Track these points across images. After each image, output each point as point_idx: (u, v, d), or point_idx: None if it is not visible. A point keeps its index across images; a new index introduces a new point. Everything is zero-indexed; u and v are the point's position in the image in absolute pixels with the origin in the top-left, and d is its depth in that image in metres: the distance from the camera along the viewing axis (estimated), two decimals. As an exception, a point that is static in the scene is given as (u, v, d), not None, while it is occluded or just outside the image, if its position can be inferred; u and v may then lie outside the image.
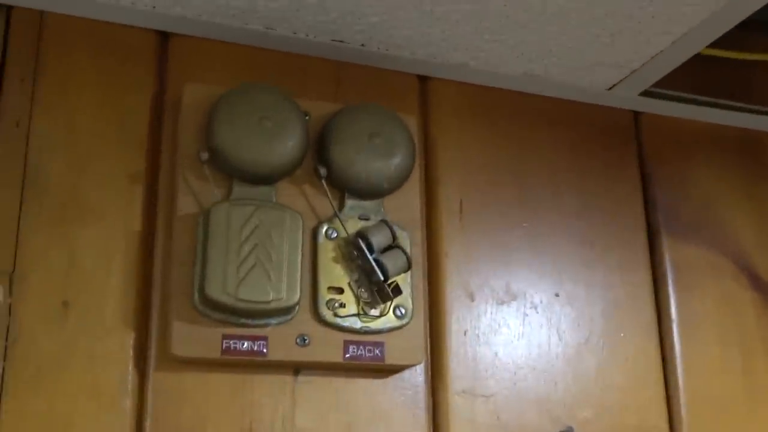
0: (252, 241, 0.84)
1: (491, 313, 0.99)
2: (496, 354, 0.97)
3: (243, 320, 0.84)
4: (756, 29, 1.14)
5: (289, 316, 0.86)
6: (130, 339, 0.84)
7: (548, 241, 1.04)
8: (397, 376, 0.92)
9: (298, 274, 0.85)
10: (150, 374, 0.84)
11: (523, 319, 1.00)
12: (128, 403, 0.83)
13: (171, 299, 0.84)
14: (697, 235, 1.12)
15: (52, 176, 0.86)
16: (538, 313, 1.01)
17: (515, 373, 0.97)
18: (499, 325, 0.99)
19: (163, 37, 0.94)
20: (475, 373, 0.96)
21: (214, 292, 0.82)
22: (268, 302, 0.83)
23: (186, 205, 0.87)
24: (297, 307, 0.86)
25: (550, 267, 1.03)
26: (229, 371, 0.86)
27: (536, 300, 1.01)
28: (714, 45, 1.02)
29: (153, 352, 0.85)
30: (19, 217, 0.84)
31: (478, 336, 0.97)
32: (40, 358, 0.81)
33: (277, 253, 0.85)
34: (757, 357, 1.10)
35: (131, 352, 0.84)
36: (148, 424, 0.83)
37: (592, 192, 1.08)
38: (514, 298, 1.00)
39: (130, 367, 0.84)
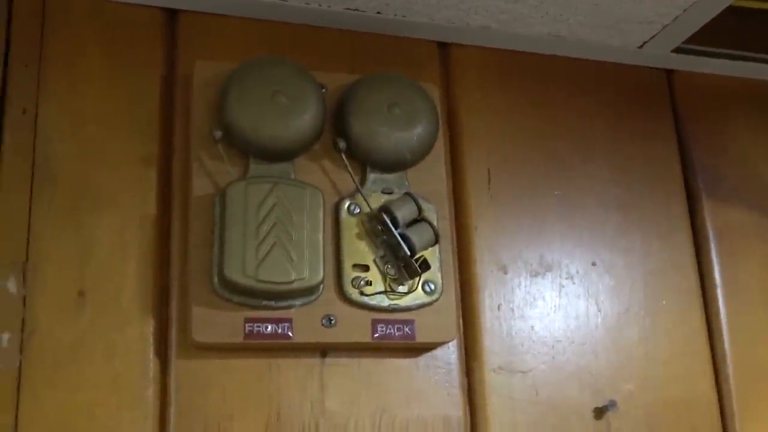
0: (271, 220, 0.81)
1: (525, 285, 0.95)
2: (532, 328, 0.93)
3: (265, 302, 0.81)
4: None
5: (313, 297, 0.83)
6: (149, 327, 0.82)
7: (582, 208, 0.99)
8: (428, 354, 0.89)
9: (321, 252, 0.82)
10: (172, 362, 0.81)
11: (560, 291, 0.96)
12: (150, 393, 0.80)
13: (190, 284, 0.81)
14: (738, 197, 1.07)
15: (62, 164, 0.83)
16: (574, 283, 0.96)
17: (553, 347, 0.93)
18: (534, 297, 0.95)
19: (171, 14, 0.91)
20: (510, 349, 0.92)
21: (234, 274, 0.78)
22: (290, 282, 0.80)
23: (201, 185, 0.83)
24: (321, 287, 0.83)
25: (586, 235, 0.98)
26: (254, 356, 0.83)
27: (572, 270, 0.97)
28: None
29: (174, 340, 0.82)
30: (30, 207, 0.81)
31: (512, 310, 0.93)
32: (57, 350, 0.78)
33: (297, 232, 0.81)
34: (807, 321, 1.05)
35: (151, 340, 0.81)
36: (172, 413, 0.80)
37: (627, 155, 1.03)
38: (549, 269, 0.96)
39: (151, 355, 0.81)
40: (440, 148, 0.92)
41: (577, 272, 0.97)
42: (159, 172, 0.86)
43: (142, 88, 0.88)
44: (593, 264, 0.98)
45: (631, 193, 1.02)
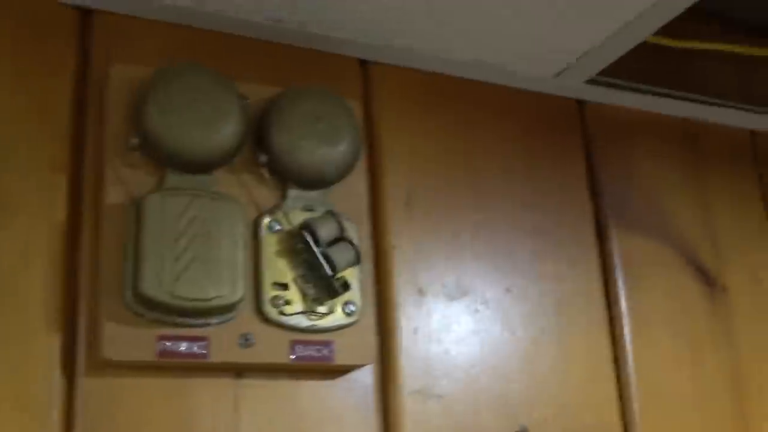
0: (189, 234, 0.77)
1: (442, 309, 0.94)
2: (447, 352, 0.92)
3: (180, 320, 0.77)
4: (699, 19, 1.12)
5: (230, 315, 0.79)
6: (56, 342, 0.76)
7: (499, 232, 0.99)
8: (345, 377, 0.86)
9: (240, 269, 0.79)
10: (79, 380, 0.76)
11: (475, 315, 0.95)
12: (56, 413, 0.75)
13: (100, 298, 0.76)
14: (643, 226, 1.09)
15: (-36, 165, 0.78)
16: (489, 308, 0.96)
17: (468, 372, 0.93)
18: (450, 322, 0.94)
19: (84, 13, 0.87)
20: (427, 373, 0.91)
21: (149, 289, 0.75)
22: (209, 300, 0.77)
23: (114, 194, 0.79)
24: (239, 305, 0.80)
25: (501, 260, 0.98)
26: (166, 375, 0.79)
27: (488, 295, 0.96)
28: (657, 33, 1.00)
29: (81, 357, 0.77)
30: (-73, 210, 0.75)
31: (429, 334, 0.92)
32: (-48, 366, 0.73)
33: (216, 247, 0.78)
34: (705, 350, 1.08)
35: (58, 357, 0.76)
36: (76, 436, 0.75)
37: (541, 181, 1.04)
38: (466, 293, 0.95)
39: (58, 373, 0.76)
40: (361, 166, 0.90)
41: (493, 297, 0.97)
42: (69, 178, 0.81)
43: (53, 88, 0.83)
44: (507, 290, 0.98)
45: (544, 219, 1.03)
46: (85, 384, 0.76)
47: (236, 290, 0.78)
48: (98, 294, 0.77)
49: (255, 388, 0.82)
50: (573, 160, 1.08)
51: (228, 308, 0.79)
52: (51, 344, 0.76)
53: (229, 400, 0.81)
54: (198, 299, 0.76)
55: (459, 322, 0.94)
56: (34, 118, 0.81)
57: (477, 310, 0.95)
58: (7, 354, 0.74)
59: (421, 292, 0.93)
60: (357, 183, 0.90)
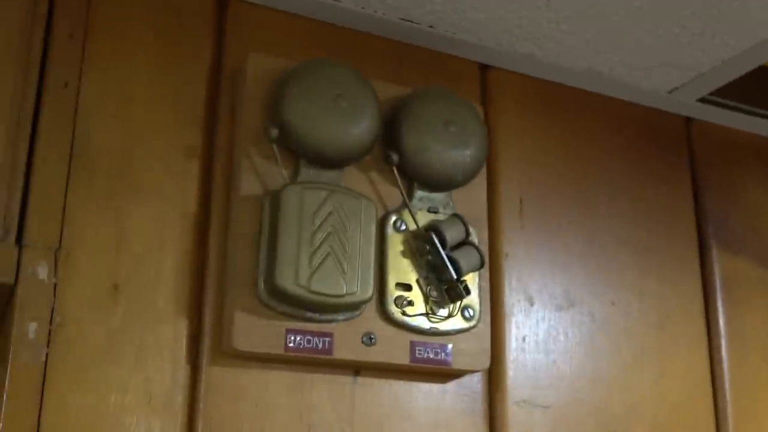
0: (325, 229, 0.77)
1: (550, 319, 0.93)
2: (554, 362, 0.92)
3: (309, 314, 0.77)
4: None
5: (356, 313, 0.79)
6: (183, 329, 0.77)
7: (605, 246, 0.99)
8: (457, 381, 0.86)
9: (372, 268, 0.79)
10: (203, 368, 0.76)
11: (581, 327, 0.95)
12: (179, 400, 0.75)
13: (232, 288, 0.76)
14: (746, 248, 1.08)
15: (104, 146, 0.78)
16: (595, 321, 0.96)
17: (573, 384, 0.92)
18: (557, 332, 0.93)
19: (222, 3, 0.86)
20: (534, 382, 0.90)
21: (286, 282, 0.74)
22: (341, 296, 0.76)
23: (249, 185, 0.79)
24: (365, 304, 0.80)
25: (606, 274, 0.98)
26: (289, 369, 0.79)
27: (594, 307, 0.96)
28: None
29: (207, 345, 0.77)
30: (66, 188, 0.75)
31: (537, 343, 0.92)
32: (87, 347, 0.73)
33: (350, 244, 0.78)
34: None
35: (184, 344, 0.76)
36: (200, 423, 0.75)
37: (646, 198, 1.04)
38: (573, 304, 0.95)
39: (183, 361, 0.76)
40: (483, 172, 0.90)
41: (598, 310, 0.96)
42: (202, 165, 0.81)
43: (190, 75, 0.83)
44: (612, 304, 0.97)
45: (648, 235, 1.02)
46: (210, 373, 0.76)
47: (367, 288, 0.78)
48: (229, 284, 0.77)
49: (371, 387, 0.82)
50: (679, 178, 1.07)
51: (356, 306, 0.79)
52: (178, 330, 0.76)
53: (347, 398, 0.81)
54: (332, 295, 0.76)
55: (566, 333, 0.94)
56: (171, 101, 0.81)
57: (583, 322, 0.95)
58: (137, 338, 0.74)
59: (530, 301, 0.93)
60: (478, 188, 0.89)
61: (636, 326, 0.98)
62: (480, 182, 0.90)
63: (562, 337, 0.93)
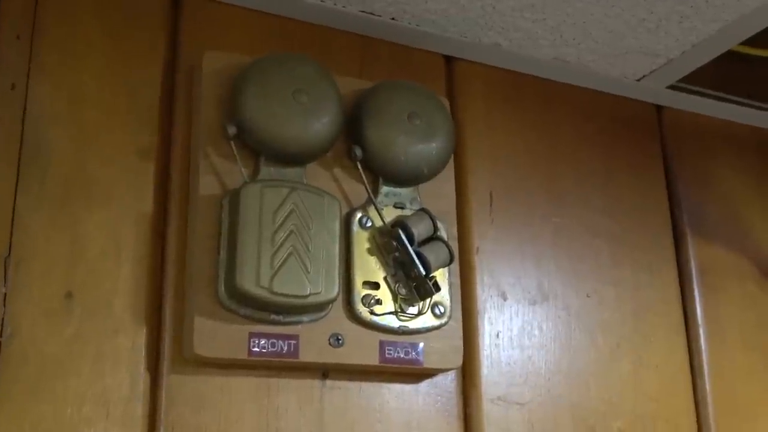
0: (287, 228, 0.75)
1: (524, 314, 0.91)
2: (529, 358, 0.90)
3: (273, 317, 0.75)
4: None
5: (322, 314, 0.77)
6: (141, 336, 0.74)
7: (577, 237, 0.97)
8: (428, 381, 0.84)
9: (337, 266, 0.76)
10: (164, 377, 0.74)
11: (555, 321, 0.93)
12: (139, 410, 0.72)
13: (192, 292, 0.74)
14: (721, 236, 1.07)
15: (54, 149, 0.75)
16: (570, 314, 0.94)
17: (549, 380, 0.90)
18: (532, 326, 0.91)
19: (175, 1, 0.84)
20: (509, 379, 0.88)
21: (247, 283, 0.72)
22: (305, 297, 0.74)
23: (208, 185, 0.76)
24: (331, 304, 0.77)
25: (580, 265, 0.96)
26: (253, 374, 0.76)
27: (568, 300, 0.94)
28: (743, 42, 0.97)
29: (167, 352, 0.74)
30: (16, 194, 0.73)
31: (511, 338, 0.90)
32: (41, 357, 0.70)
33: (314, 242, 0.75)
34: (778, 363, 1.05)
35: (143, 352, 0.74)
36: (162, 433, 0.72)
37: (618, 187, 1.02)
38: (546, 298, 0.93)
39: (142, 368, 0.73)
40: (450, 165, 0.88)
41: (573, 303, 0.94)
42: (157, 166, 0.78)
43: (144, 74, 0.80)
44: (588, 296, 0.95)
45: (621, 225, 1.00)
46: (170, 381, 0.73)
47: (332, 288, 0.75)
48: (187, 287, 0.74)
49: (340, 390, 0.79)
50: (651, 166, 1.06)
51: (321, 306, 0.76)
52: (137, 338, 0.74)
53: (315, 402, 0.78)
54: (295, 296, 0.73)
55: (541, 327, 0.92)
56: (124, 102, 0.79)
57: (558, 316, 0.93)
58: (92, 347, 0.71)
59: (503, 296, 0.91)
60: (446, 182, 0.87)
61: (612, 318, 0.96)
62: (448, 176, 0.87)
63: (536, 332, 0.91)
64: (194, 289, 0.74)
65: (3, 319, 0.69)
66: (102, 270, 0.74)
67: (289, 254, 0.74)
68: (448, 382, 0.85)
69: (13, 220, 0.72)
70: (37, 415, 0.68)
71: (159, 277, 0.76)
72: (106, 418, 0.71)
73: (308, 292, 0.74)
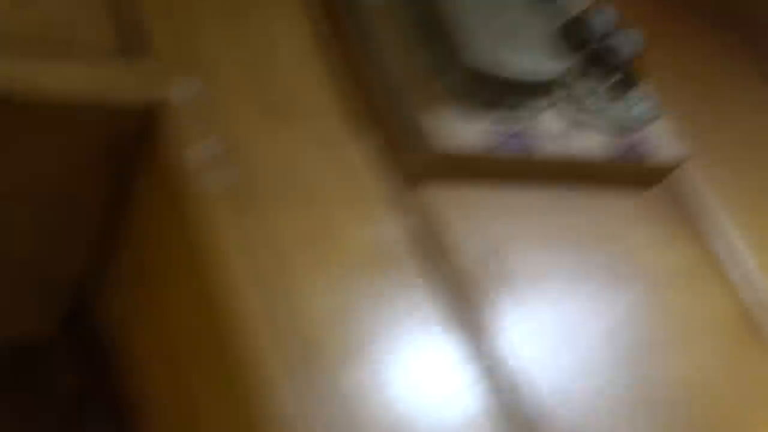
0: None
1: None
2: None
3: (513, 99, 0.63)
4: None
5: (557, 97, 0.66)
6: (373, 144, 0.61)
7: None
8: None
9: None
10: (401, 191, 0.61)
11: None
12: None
13: (405, 92, 0.61)
14: None
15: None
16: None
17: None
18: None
19: None
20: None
21: (483, 58, 0.60)
22: (545, 74, 0.63)
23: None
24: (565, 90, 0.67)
25: None
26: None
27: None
28: None
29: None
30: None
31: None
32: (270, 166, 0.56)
33: (535, 16, 0.65)
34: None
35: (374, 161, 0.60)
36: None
37: None
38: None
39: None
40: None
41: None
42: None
43: None
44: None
45: None
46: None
47: (564, 62, 0.65)
48: (410, 77, 0.62)
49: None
50: None
51: (557, 86, 0.65)
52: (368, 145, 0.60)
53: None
54: (536, 72, 0.63)
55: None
56: None
57: None
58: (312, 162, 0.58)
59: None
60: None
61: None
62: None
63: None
64: (410, 88, 0.61)
65: (217, 130, 0.55)
66: (294, 78, 0.61)
67: (515, 25, 0.63)
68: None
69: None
70: (283, 220, 0.54)
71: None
72: (357, 220, 0.57)
73: (548, 69, 0.63)
